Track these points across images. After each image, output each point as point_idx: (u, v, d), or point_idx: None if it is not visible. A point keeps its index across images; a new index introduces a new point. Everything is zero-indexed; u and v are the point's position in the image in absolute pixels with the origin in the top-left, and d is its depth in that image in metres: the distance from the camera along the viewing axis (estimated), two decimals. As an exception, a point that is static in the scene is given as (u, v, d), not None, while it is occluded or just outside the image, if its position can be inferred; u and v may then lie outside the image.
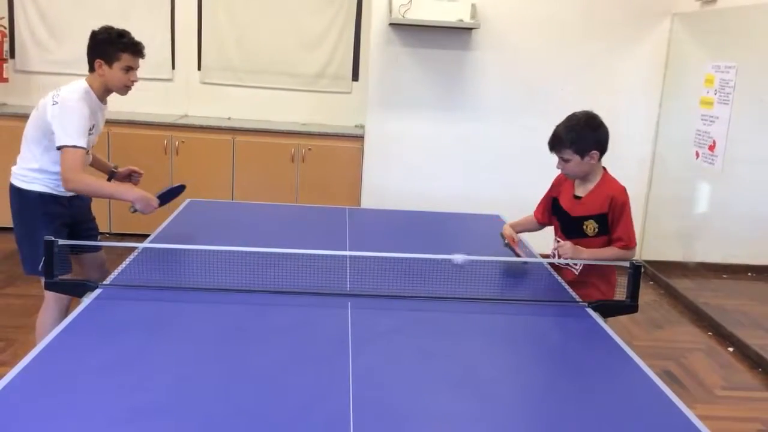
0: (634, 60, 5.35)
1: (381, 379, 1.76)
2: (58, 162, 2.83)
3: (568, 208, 2.66)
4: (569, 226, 2.65)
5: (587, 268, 2.60)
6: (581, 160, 2.53)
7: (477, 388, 1.75)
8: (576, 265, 2.62)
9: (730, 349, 4.16)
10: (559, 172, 2.70)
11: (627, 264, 2.35)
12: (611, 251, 2.56)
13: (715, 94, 4.61)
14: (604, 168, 2.64)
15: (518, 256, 2.79)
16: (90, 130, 2.82)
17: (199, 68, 5.85)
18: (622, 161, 5.30)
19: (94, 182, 2.90)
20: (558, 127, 2.56)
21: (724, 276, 5.33)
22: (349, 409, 1.58)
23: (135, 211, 2.88)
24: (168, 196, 3.07)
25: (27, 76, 5.79)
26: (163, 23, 5.74)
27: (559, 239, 2.72)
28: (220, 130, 5.46)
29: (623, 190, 2.57)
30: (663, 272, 5.31)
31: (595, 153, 2.53)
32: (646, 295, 5.08)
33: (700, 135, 4.79)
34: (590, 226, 2.58)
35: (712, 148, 4.62)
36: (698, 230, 5.29)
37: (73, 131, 2.73)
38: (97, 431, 1.44)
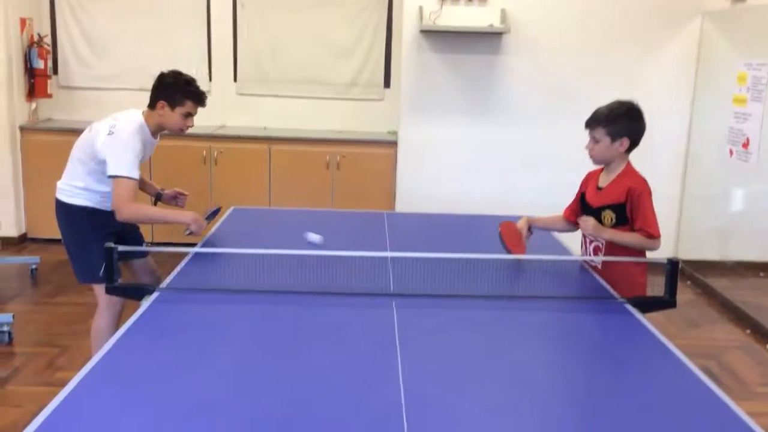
0: (666, 60, 5.36)
1: (429, 373, 1.83)
2: (103, 182, 2.95)
3: (590, 199, 2.76)
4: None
5: (607, 263, 2.67)
6: (611, 143, 2.62)
7: (522, 382, 1.82)
8: (597, 260, 2.72)
9: (769, 346, 4.16)
10: (587, 171, 2.82)
11: (664, 261, 2.39)
12: (633, 236, 2.60)
13: (748, 91, 4.61)
14: (629, 162, 2.71)
15: (510, 252, 2.76)
16: (141, 160, 2.95)
17: (235, 80, 6.00)
18: (656, 160, 5.33)
19: (147, 210, 3.05)
20: (600, 107, 2.68)
21: (762, 274, 5.30)
22: (401, 401, 1.66)
23: (190, 233, 2.98)
24: (210, 217, 3.19)
25: (70, 92, 5.99)
26: (200, 38, 5.91)
27: (585, 236, 2.80)
28: (256, 140, 5.60)
29: (642, 181, 2.64)
30: (700, 271, 5.30)
31: (625, 140, 2.62)
32: (684, 294, 5.08)
33: (733, 132, 4.79)
34: (607, 216, 2.65)
35: (746, 145, 4.62)
36: (734, 228, 5.27)
37: (126, 162, 2.84)
38: (164, 425, 1.54)
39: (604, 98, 2.79)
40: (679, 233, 5.56)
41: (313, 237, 2.94)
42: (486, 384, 1.80)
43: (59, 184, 3.05)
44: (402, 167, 5.50)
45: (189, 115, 3.04)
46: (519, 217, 2.96)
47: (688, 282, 5.31)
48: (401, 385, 1.74)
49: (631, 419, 1.64)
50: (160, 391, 1.68)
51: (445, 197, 5.38)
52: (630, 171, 2.68)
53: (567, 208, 2.96)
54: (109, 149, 2.85)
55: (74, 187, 3.00)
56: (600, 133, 2.63)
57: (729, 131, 4.84)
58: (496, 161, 5.47)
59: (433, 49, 5.31)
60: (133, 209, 2.90)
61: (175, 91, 2.99)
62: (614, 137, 2.61)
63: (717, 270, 5.29)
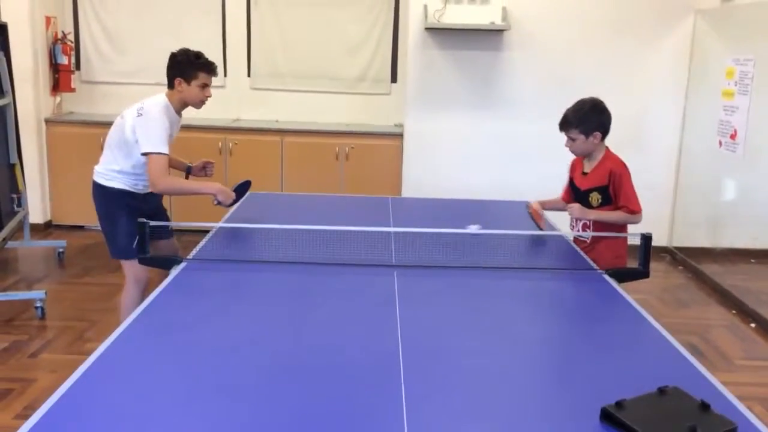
0: (661, 55, 5.60)
1: (424, 327, 2.11)
2: (137, 165, 3.24)
3: (578, 183, 3.07)
4: (579, 200, 3.04)
5: (595, 238, 2.98)
6: (586, 139, 2.94)
7: (502, 333, 2.10)
8: (586, 236, 3.02)
9: (752, 325, 4.40)
10: (573, 157, 3.12)
11: (638, 238, 2.66)
12: (617, 214, 2.92)
13: (735, 85, 4.86)
14: (607, 147, 3.01)
15: (540, 228, 3.17)
16: (169, 137, 3.22)
17: (248, 75, 6.29)
18: (652, 151, 5.59)
19: (178, 182, 3.33)
20: (567, 110, 2.97)
21: (753, 261, 5.54)
22: (398, 347, 1.94)
23: (218, 203, 3.26)
24: (240, 190, 3.45)
25: (92, 86, 6.29)
26: (216, 34, 6.20)
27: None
28: (269, 132, 5.89)
29: (621, 163, 2.94)
30: (692, 258, 5.54)
31: (597, 134, 2.93)
32: (675, 278, 5.33)
33: (722, 125, 5.03)
34: (594, 198, 2.98)
35: (733, 136, 4.86)
36: (725, 216, 5.51)
37: (156, 139, 3.12)
38: (195, 362, 1.82)
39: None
40: (673, 221, 5.81)
41: (473, 228, 3.11)
42: (473, 335, 2.07)
43: (97, 168, 3.33)
44: (408, 159, 5.78)
45: (205, 85, 3.27)
46: (523, 201, 3.44)
47: (680, 267, 5.56)
48: (399, 334, 2.02)
49: (594, 361, 1.90)
50: (193, 338, 1.96)
51: (449, 186, 5.64)
52: (609, 156, 3.00)
53: (563, 192, 3.28)
54: (140, 129, 3.13)
55: (110, 170, 3.28)
56: (574, 132, 2.95)
57: (719, 123, 5.09)
58: (497, 152, 5.73)
59: (437, 45, 5.58)
60: (167, 182, 3.18)
61: (187, 65, 3.23)
62: (587, 133, 2.93)
63: (709, 256, 5.54)
